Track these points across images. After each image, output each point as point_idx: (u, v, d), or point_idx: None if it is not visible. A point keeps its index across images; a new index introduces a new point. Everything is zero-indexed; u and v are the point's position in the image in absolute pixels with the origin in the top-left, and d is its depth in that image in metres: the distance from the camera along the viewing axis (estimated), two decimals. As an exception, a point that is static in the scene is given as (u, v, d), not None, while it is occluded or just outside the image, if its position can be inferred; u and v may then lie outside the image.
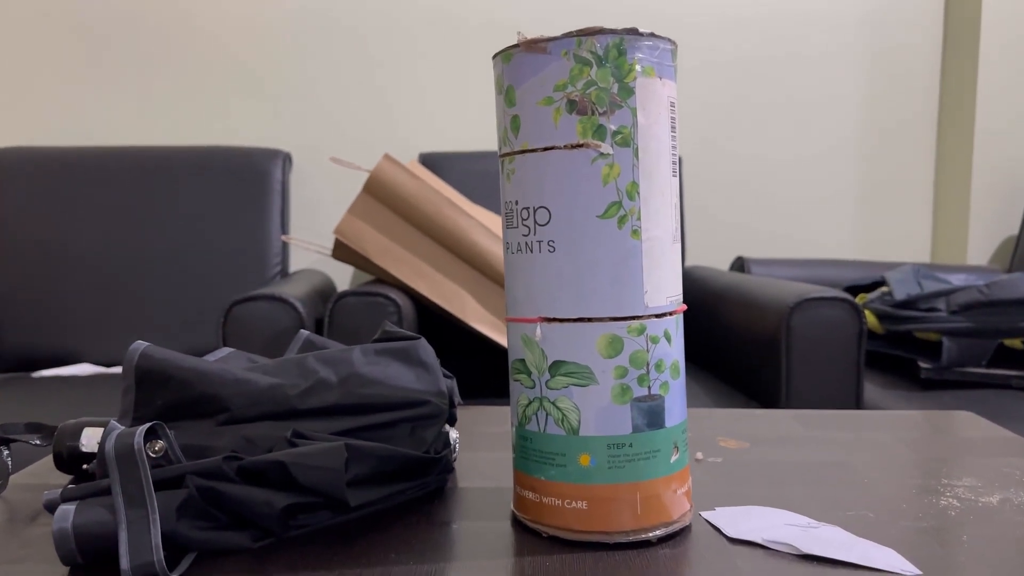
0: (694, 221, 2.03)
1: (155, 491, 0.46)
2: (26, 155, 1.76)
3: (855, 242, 2.02)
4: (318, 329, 1.22)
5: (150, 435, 0.48)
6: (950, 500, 0.55)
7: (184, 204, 1.72)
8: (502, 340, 1.26)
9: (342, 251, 1.32)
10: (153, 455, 0.47)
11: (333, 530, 0.50)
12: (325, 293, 1.49)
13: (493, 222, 1.33)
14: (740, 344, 1.33)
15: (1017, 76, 1.88)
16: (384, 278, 1.32)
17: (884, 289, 1.45)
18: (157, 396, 0.54)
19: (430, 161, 1.84)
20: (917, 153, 2.02)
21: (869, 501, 0.54)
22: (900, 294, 1.37)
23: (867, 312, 1.46)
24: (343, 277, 1.99)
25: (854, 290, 1.65)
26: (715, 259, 2.04)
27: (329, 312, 1.15)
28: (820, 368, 1.15)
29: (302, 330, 0.69)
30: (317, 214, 1.97)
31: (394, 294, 1.20)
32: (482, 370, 1.60)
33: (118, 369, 1.66)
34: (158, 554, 0.42)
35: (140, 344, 0.55)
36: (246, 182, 1.73)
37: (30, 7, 1.93)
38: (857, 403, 1.16)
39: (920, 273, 1.44)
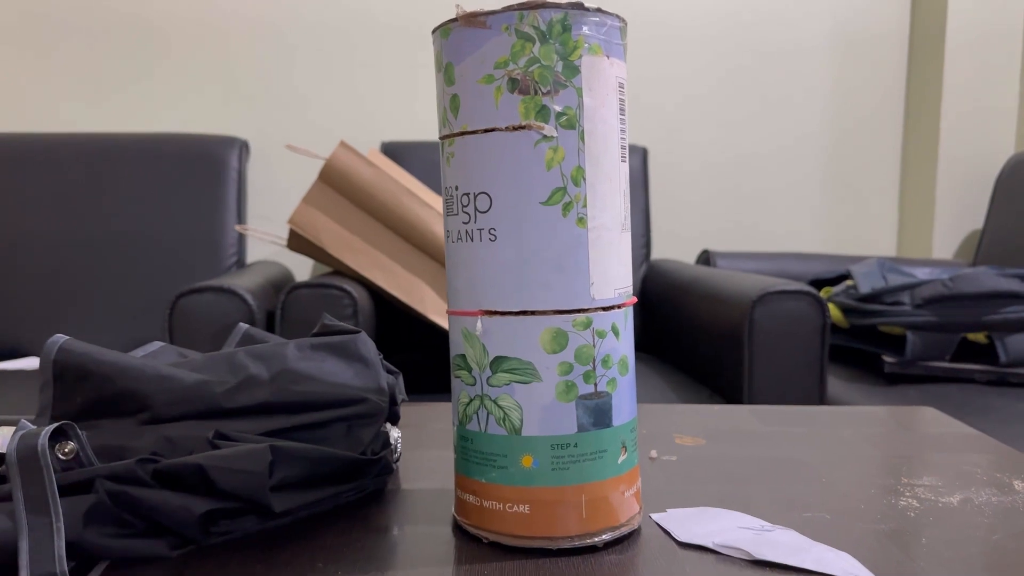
0: (660, 213, 2.02)
1: (62, 496, 0.42)
2: (-29, 141, 1.69)
3: (821, 235, 2.02)
4: (270, 322, 1.18)
5: (59, 435, 0.44)
6: (910, 500, 0.53)
7: (136, 193, 1.67)
8: (462, 333, 1.23)
9: (297, 241, 1.28)
10: (63, 457, 0.44)
11: (259, 537, 0.46)
12: (280, 285, 1.45)
13: (454, 213, 1.30)
14: (704, 337, 1.31)
15: (982, 71, 1.88)
16: (341, 269, 1.29)
17: (849, 283, 1.44)
18: (76, 392, 0.51)
19: (392, 150, 1.80)
20: (883, 147, 2.02)
21: (827, 501, 0.52)
22: (865, 288, 1.36)
23: (832, 306, 1.45)
24: (303, 269, 1.95)
25: (819, 283, 1.64)
26: (681, 252, 2.02)
27: (281, 305, 1.11)
28: (783, 362, 1.14)
29: (240, 323, 0.66)
30: (276, 203, 1.93)
31: (350, 286, 1.17)
32: (442, 365, 1.57)
33: (67, 363, 1.60)
34: (61, 565, 0.39)
35: (59, 337, 0.52)
36: (201, 170, 1.68)
37: (-23, -13, 1.86)
38: (821, 397, 1.15)
39: (885, 267, 1.44)
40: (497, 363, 0.44)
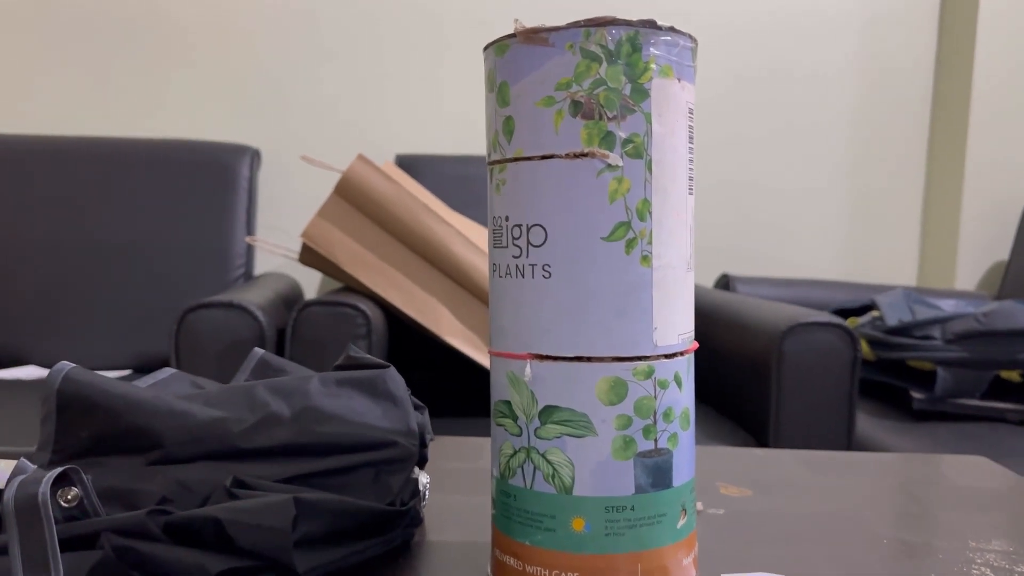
0: (677, 235, 1.97)
1: (63, 551, 0.38)
2: (-24, 142, 1.66)
3: (841, 263, 1.98)
4: (280, 340, 1.14)
5: (62, 481, 0.40)
6: (983, 569, 0.49)
7: (144, 199, 1.63)
8: (479, 357, 1.19)
9: (310, 256, 1.24)
10: (65, 505, 0.40)
11: (278, 597, 0.42)
12: (291, 300, 1.41)
13: (473, 231, 1.26)
14: (727, 368, 1.27)
15: (1010, 99, 1.85)
16: (354, 286, 1.25)
17: (875, 314, 1.40)
18: (81, 427, 0.47)
19: (407, 163, 1.77)
20: (907, 175, 1.98)
21: (892, 567, 0.48)
22: (892, 320, 1.32)
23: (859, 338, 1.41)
24: (312, 283, 1.91)
25: (843, 313, 1.60)
26: (700, 276, 1.98)
27: (292, 323, 1.07)
28: (812, 396, 1.09)
29: (256, 348, 0.62)
30: (286, 215, 1.89)
31: (363, 304, 1.12)
32: (458, 389, 1.52)
33: (67, 373, 1.56)
34: (59, 634, 0.35)
35: (64, 365, 0.48)
36: (211, 178, 1.64)
37: (-11, -14, 1.82)
38: (849, 433, 1.11)
39: (911, 298, 1.40)
40: (547, 413, 0.40)
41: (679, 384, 0.41)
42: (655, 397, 0.40)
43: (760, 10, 1.93)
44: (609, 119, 0.39)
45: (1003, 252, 1.86)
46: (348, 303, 1.09)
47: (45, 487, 0.38)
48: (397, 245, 1.19)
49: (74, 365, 0.48)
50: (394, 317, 1.43)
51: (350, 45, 1.88)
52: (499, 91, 0.41)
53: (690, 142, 0.41)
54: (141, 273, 1.59)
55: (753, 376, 1.15)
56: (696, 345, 0.45)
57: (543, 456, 0.40)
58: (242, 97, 1.86)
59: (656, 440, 0.40)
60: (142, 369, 1.58)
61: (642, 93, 0.39)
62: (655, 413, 0.40)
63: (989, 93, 1.83)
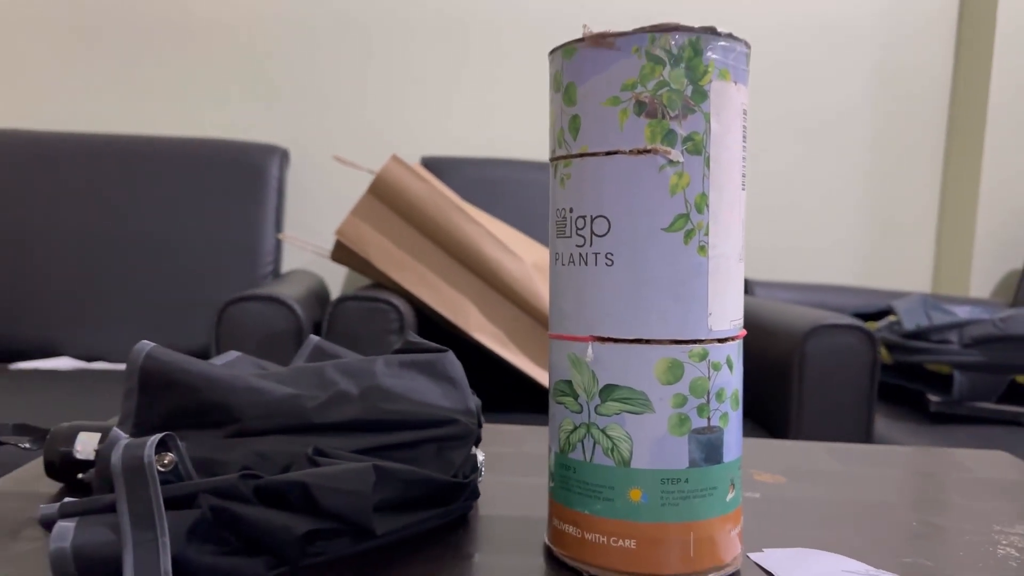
0: (694, 240, 2.00)
1: (165, 510, 0.41)
2: (10, 138, 1.70)
3: (858, 269, 2.00)
4: (315, 333, 1.17)
5: (159, 447, 0.43)
6: (1008, 550, 0.51)
7: (175, 196, 1.67)
8: (506, 354, 1.22)
9: (342, 253, 1.28)
10: (162, 469, 0.43)
11: (352, 560, 0.45)
12: (320, 296, 1.44)
13: (501, 231, 1.29)
14: (750, 368, 1.29)
15: (1024, 110, 1.87)
16: (385, 283, 1.28)
17: (892, 318, 1.43)
18: (161, 402, 0.50)
19: (432, 165, 1.80)
20: (923, 183, 2.00)
21: (922, 547, 0.51)
22: (909, 324, 1.34)
23: (875, 341, 1.43)
24: (336, 280, 1.94)
25: (862, 318, 1.62)
26: (714, 279, 2.01)
27: (328, 316, 1.10)
28: (832, 397, 1.12)
29: (312, 335, 0.65)
30: (313, 213, 1.92)
31: (396, 300, 1.16)
32: (485, 382, 1.55)
33: (99, 364, 1.59)
34: (166, 582, 0.38)
35: (146, 344, 0.51)
36: (241, 177, 1.68)
37: (25, -13, 1.87)
38: (867, 434, 1.13)
39: (928, 304, 1.42)
40: (607, 391, 0.43)
41: (730, 367, 0.44)
42: (709, 378, 0.43)
43: (780, 22, 1.96)
44: (671, 118, 0.42)
45: (1017, 261, 1.89)
46: (382, 299, 1.12)
47: (150, 451, 0.41)
48: (428, 244, 1.22)
49: (154, 344, 0.51)
50: (424, 314, 1.46)
51: (376, 49, 1.92)
52: (566, 91, 0.44)
53: (744, 141, 0.45)
54: (172, 268, 1.63)
55: (776, 376, 1.18)
56: (745, 332, 0.48)
57: (603, 431, 0.43)
58: (272, 98, 1.90)
59: (709, 418, 0.43)
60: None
61: (702, 94, 0.42)
62: (708, 393, 0.43)
63: (1006, 103, 1.86)
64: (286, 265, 1.93)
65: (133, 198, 1.66)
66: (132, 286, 1.62)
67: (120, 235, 1.64)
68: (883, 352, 1.40)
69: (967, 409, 1.26)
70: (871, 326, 1.50)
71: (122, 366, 1.57)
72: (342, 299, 1.12)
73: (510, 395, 1.45)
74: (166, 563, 0.38)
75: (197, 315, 1.61)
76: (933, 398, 1.28)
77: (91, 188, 1.66)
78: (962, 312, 1.39)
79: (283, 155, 1.78)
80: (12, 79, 1.87)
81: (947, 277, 1.95)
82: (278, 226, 1.71)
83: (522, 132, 1.94)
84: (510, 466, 0.64)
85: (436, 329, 1.66)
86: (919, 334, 1.31)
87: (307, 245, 1.34)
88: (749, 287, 1.74)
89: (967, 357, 1.24)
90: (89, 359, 1.61)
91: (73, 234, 1.63)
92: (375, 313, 1.10)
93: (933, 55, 1.98)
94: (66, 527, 0.39)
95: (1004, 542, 0.53)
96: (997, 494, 0.62)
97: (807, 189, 2.00)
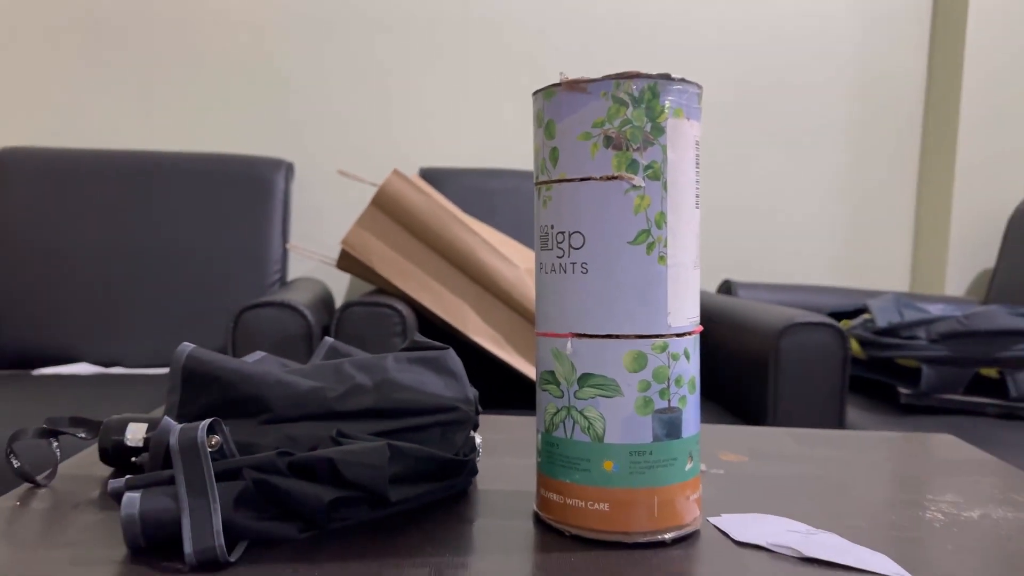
0: (683, 243, 2.09)
1: (215, 482, 0.49)
2: (29, 155, 1.78)
3: (837, 269, 2.09)
4: (323, 336, 1.25)
5: (207, 431, 0.51)
6: (935, 514, 0.59)
7: (186, 209, 1.75)
8: (502, 354, 1.30)
9: (347, 261, 1.36)
10: (211, 448, 0.51)
11: (371, 525, 0.53)
12: (326, 302, 1.52)
13: (496, 238, 1.37)
14: (729, 365, 1.38)
15: (997, 114, 1.96)
16: (388, 289, 1.36)
17: (866, 316, 1.51)
18: (201, 396, 0.58)
19: (430, 176, 1.88)
20: (899, 186, 2.09)
21: (861, 513, 0.59)
22: (882, 322, 1.43)
23: (850, 338, 1.52)
24: (340, 287, 2.02)
25: (837, 316, 1.70)
26: (703, 281, 2.09)
27: (337, 320, 1.18)
28: (806, 390, 1.20)
29: (327, 337, 0.73)
30: (317, 223, 2.01)
31: (398, 305, 1.24)
32: (484, 383, 1.63)
33: (117, 369, 1.67)
34: (219, 540, 0.46)
35: (187, 346, 0.59)
36: (249, 190, 1.76)
37: (36, 10, 1.95)
38: (840, 424, 1.21)
39: (901, 302, 1.50)
40: (584, 379, 0.51)
41: (687, 357, 0.52)
42: (669, 367, 0.51)
43: (757, 28, 2.05)
44: (634, 150, 0.50)
45: (990, 260, 1.97)
46: (385, 304, 1.21)
47: (202, 433, 0.49)
48: (428, 252, 1.30)
49: (194, 346, 0.59)
50: (424, 317, 1.54)
51: (377, 67, 2.00)
52: (546, 127, 0.53)
53: (697, 167, 0.53)
54: (184, 277, 1.71)
55: (752, 372, 1.26)
56: (701, 328, 0.56)
57: (581, 413, 0.52)
58: (277, 115, 1.98)
59: (669, 400, 0.51)
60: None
61: (659, 130, 0.50)
62: (669, 379, 0.51)
63: (976, 111, 1.95)
64: (292, 273, 2.01)
65: (146, 211, 1.74)
66: (146, 294, 1.70)
67: (136, 247, 1.72)
68: (857, 348, 1.48)
69: (935, 400, 1.35)
70: (846, 324, 1.58)
71: (138, 371, 1.65)
72: (348, 304, 1.20)
73: (506, 393, 1.53)
74: (217, 525, 0.46)
75: (208, 321, 1.69)
76: (903, 390, 1.36)
77: (108, 202, 1.74)
78: (935, 309, 1.47)
79: (289, 168, 1.86)
80: (35, 100, 1.96)
81: (924, 277, 2.04)
82: (284, 236, 1.79)
83: (516, 144, 2.03)
84: (504, 449, 0.73)
85: (437, 332, 1.74)
86: (890, 331, 1.40)
87: (314, 254, 1.42)
88: (732, 288, 1.83)
89: (934, 352, 1.32)
90: (106, 364, 1.69)
91: (90, 245, 1.71)
92: (379, 317, 1.18)
93: (907, 65, 2.07)
94: (133, 497, 0.48)
95: (933, 508, 0.61)
96: (936, 470, 0.71)
97: (788, 194, 2.09)
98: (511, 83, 2.02)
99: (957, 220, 1.95)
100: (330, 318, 1.41)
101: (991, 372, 1.36)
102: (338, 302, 2.00)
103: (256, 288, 1.73)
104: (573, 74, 2.05)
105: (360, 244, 1.30)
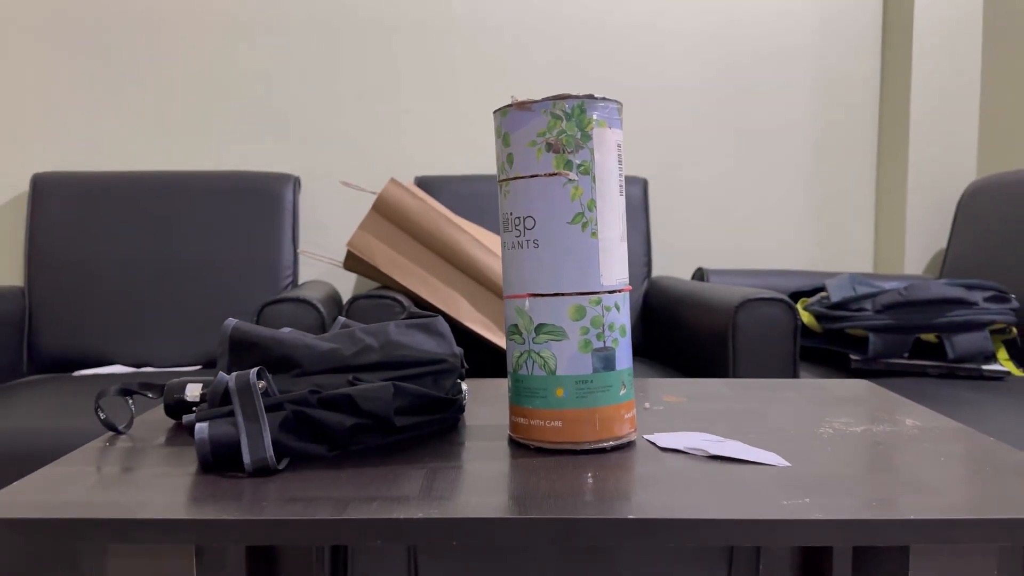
0: (660, 236, 2.25)
1: (265, 413, 0.65)
2: (60, 179, 1.95)
3: (805, 254, 2.25)
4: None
5: (256, 376, 0.67)
6: (827, 430, 0.75)
7: (204, 223, 1.92)
8: (491, 336, 1.46)
9: (353, 262, 1.52)
10: (260, 388, 0.67)
11: (383, 448, 0.70)
12: (334, 299, 1.69)
13: (485, 236, 1.53)
14: (695, 341, 1.54)
15: (945, 107, 2.12)
16: (390, 285, 1.52)
17: (823, 294, 1.67)
18: (245, 358, 0.74)
19: (425, 183, 2.05)
20: (859, 175, 2.25)
21: (768, 430, 0.75)
22: (836, 297, 1.58)
23: (807, 313, 1.68)
24: (345, 286, 2.19)
25: (797, 295, 1.86)
26: (679, 270, 2.25)
27: (345, 312, 1.35)
28: (762, 358, 1.36)
29: (340, 317, 0.89)
30: (323, 231, 2.17)
31: (399, 297, 1.40)
32: (475, 364, 1.79)
33: (148, 369, 1.84)
34: (270, 451, 0.62)
35: (232, 320, 0.75)
36: (261, 203, 1.93)
37: (54, 40, 2.12)
38: (794, 388, 1.37)
39: (856, 280, 1.66)
40: (539, 328, 0.68)
41: (618, 309, 0.69)
42: (603, 316, 0.68)
43: (723, 35, 2.21)
44: (569, 153, 0.66)
45: (943, 240, 2.13)
46: (388, 296, 1.37)
47: (253, 377, 0.65)
48: (424, 250, 1.47)
49: (237, 320, 0.75)
50: (422, 308, 1.71)
51: (374, 85, 2.17)
52: (504, 138, 0.69)
53: (619, 164, 0.69)
54: (206, 284, 1.87)
55: (715, 345, 1.42)
56: (629, 288, 0.72)
57: (538, 354, 0.68)
58: (284, 133, 2.15)
59: (604, 341, 0.68)
60: (210, 365, 1.86)
61: (588, 137, 0.67)
62: (603, 325, 0.68)
63: (927, 100, 2.11)
64: (302, 277, 2.18)
65: (168, 226, 1.91)
66: (172, 301, 1.87)
67: (161, 259, 1.89)
68: (814, 322, 1.64)
69: (882, 365, 1.50)
70: (804, 302, 1.74)
71: (167, 370, 1.81)
72: (356, 298, 1.37)
73: (492, 370, 1.70)
74: (268, 442, 0.63)
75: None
76: (854, 357, 1.52)
77: (133, 219, 1.91)
78: (888, 285, 1.63)
79: (296, 182, 2.03)
80: (61, 127, 2.13)
81: (885, 258, 2.20)
82: (294, 243, 1.96)
83: (504, 149, 2.18)
84: (482, 400, 0.89)
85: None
86: (842, 304, 1.56)
87: (322, 258, 1.58)
88: (704, 275, 1.99)
89: (878, 321, 1.48)
90: (137, 366, 1.86)
91: (119, 259, 1.88)
92: (382, 308, 1.34)
93: (862, 64, 2.23)
94: (203, 426, 0.64)
95: (827, 427, 0.77)
96: (841, 403, 0.87)
97: (758, 187, 2.25)
98: (498, 96, 2.18)
99: (912, 205, 2.11)
100: (339, 312, 1.57)
101: (930, 337, 1.51)
102: (345, 300, 2.16)
103: (270, 292, 1.89)
104: (547, 86, 2.21)
105: (364, 245, 1.47)
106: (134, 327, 1.85)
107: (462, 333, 1.86)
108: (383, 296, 1.37)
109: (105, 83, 2.14)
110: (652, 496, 0.56)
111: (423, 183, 2.05)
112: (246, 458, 0.62)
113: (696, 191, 2.25)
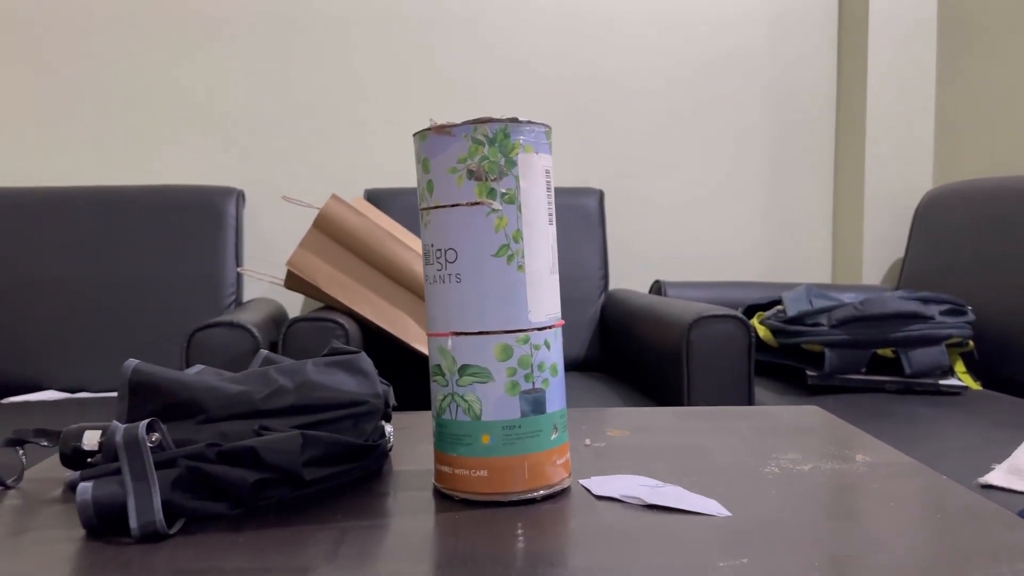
0: (616, 249, 2.21)
1: (155, 470, 0.59)
2: (-11, 194, 1.86)
3: (762, 265, 2.23)
4: (273, 351, 1.35)
5: (148, 429, 0.61)
6: (773, 468, 0.71)
7: (143, 239, 1.83)
8: (440, 359, 1.41)
9: (294, 281, 1.46)
10: (151, 443, 0.61)
11: (293, 501, 0.64)
12: (277, 319, 1.62)
13: (430, 253, 1.48)
14: (650, 357, 1.50)
15: (901, 119, 2.11)
16: (334, 304, 1.46)
17: (779, 307, 1.64)
18: (147, 403, 0.68)
19: (375, 196, 1.99)
20: (816, 185, 2.23)
21: (711, 469, 0.70)
22: (792, 311, 1.55)
23: (763, 327, 1.64)
24: (293, 304, 2.12)
25: (753, 309, 1.83)
26: (636, 283, 2.22)
27: (283, 336, 1.28)
28: (716, 375, 1.32)
29: (261, 349, 0.83)
30: (268, 247, 2.10)
31: (342, 319, 1.34)
32: (423, 386, 1.74)
33: (83, 394, 1.75)
34: (159, 515, 0.56)
35: (132, 361, 0.69)
36: (202, 218, 1.85)
37: (-10, 53, 2.03)
38: (749, 404, 1.33)
39: (812, 292, 1.63)
40: (463, 369, 0.62)
41: (548, 347, 0.64)
42: (531, 355, 0.62)
43: (678, 41, 2.18)
44: (492, 180, 0.61)
45: (900, 250, 2.12)
46: (329, 318, 1.31)
47: (142, 430, 0.59)
48: (368, 268, 1.41)
49: (139, 361, 0.69)
50: (368, 328, 1.65)
51: (322, 96, 2.11)
52: (423, 164, 0.64)
53: (548, 191, 0.64)
54: (145, 304, 1.79)
55: (669, 362, 1.38)
56: (562, 322, 0.67)
57: (462, 397, 0.62)
58: (227, 144, 2.08)
59: (534, 383, 0.62)
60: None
61: (512, 163, 0.61)
62: (532, 365, 0.62)
63: (882, 112, 2.10)
64: (248, 294, 2.10)
65: (106, 243, 1.83)
66: (109, 322, 1.78)
67: (96, 277, 1.80)
68: (770, 336, 1.61)
69: (838, 381, 1.47)
70: (760, 315, 1.71)
71: (104, 395, 1.73)
72: (294, 320, 1.30)
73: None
74: (157, 503, 0.56)
75: (169, 344, 1.77)
76: (810, 373, 1.48)
77: (68, 236, 1.82)
78: (846, 298, 1.60)
79: (240, 196, 1.95)
80: (-19, 138, 2.03)
81: (843, 269, 2.18)
82: (238, 260, 1.88)
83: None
84: (416, 439, 0.83)
85: (380, 341, 1.85)
86: (798, 319, 1.52)
87: (264, 276, 1.51)
88: (662, 288, 1.95)
89: (834, 336, 1.45)
90: (73, 391, 1.77)
91: (53, 279, 1.79)
92: (324, 331, 1.28)
93: (818, 71, 2.21)
94: (86, 486, 0.57)
95: (772, 464, 0.72)
96: (790, 435, 0.82)
97: (715, 198, 2.22)
98: (447, 107, 2.13)
99: (869, 216, 2.09)
100: (280, 334, 1.50)
101: (887, 352, 1.49)
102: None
103: (212, 310, 1.82)
104: (498, 98, 2.17)
105: (304, 264, 1.40)
106: (68, 350, 1.77)
107: (409, 354, 1.80)
108: (324, 319, 1.31)
109: (37, 93, 2.05)
110: (581, 559, 0.51)
111: (373, 196, 1.99)
112: (132, 522, 0.56)
113: (653, 202, 2.21)
